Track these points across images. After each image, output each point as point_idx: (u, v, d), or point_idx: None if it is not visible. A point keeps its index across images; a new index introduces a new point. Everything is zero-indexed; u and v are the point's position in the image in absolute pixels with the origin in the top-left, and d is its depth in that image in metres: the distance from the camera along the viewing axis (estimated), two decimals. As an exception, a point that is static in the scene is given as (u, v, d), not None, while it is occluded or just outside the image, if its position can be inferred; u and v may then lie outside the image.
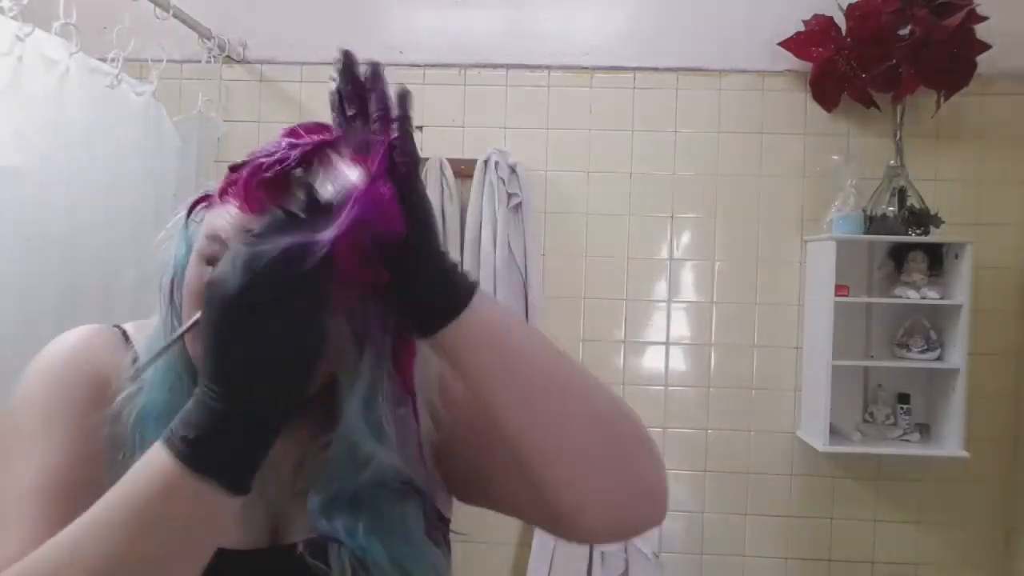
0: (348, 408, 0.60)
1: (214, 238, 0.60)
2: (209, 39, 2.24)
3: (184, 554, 0.51)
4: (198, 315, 0.55)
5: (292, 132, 0.60)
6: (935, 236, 2.16)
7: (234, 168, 0.61)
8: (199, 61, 2.24)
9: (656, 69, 2.35)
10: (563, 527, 0.62)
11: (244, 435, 0.50)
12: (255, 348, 0.49)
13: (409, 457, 0.64)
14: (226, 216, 0.59)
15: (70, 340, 0.68)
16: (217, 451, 0.49)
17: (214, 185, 0.64)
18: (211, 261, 0.59)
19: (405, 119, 0.54)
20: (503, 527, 2.34)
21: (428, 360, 0.65)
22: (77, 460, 0.61)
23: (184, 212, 0.67)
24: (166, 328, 0.65)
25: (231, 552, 0.60)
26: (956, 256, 2.13)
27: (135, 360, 0.65)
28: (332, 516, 0.62)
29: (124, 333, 0.69)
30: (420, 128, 2.35)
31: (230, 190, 0.60)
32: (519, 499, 0.65)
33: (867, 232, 2.17)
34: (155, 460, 0.50)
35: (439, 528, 0.67)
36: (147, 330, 0.68)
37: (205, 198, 0.65)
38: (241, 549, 0.62)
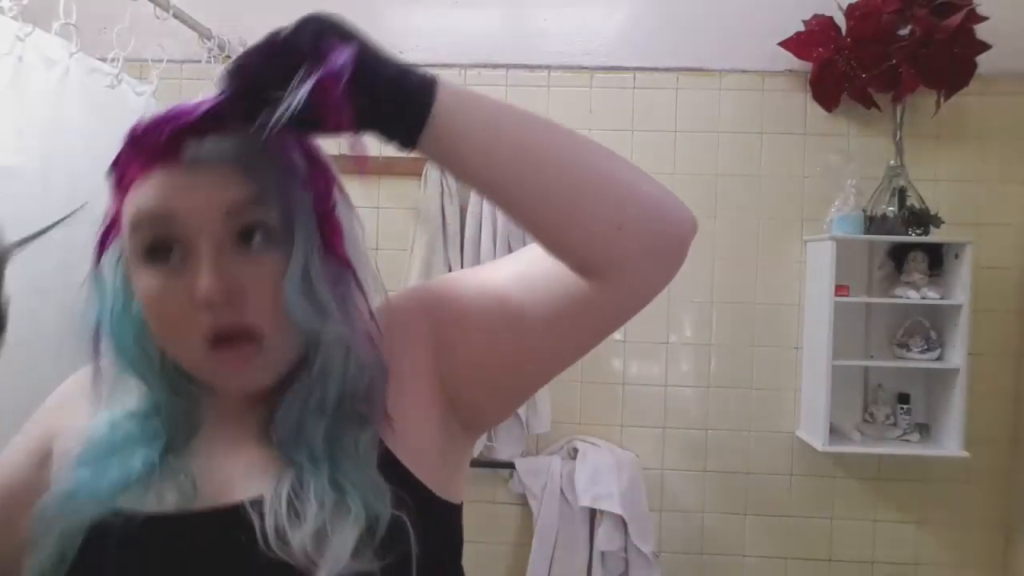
0: (287, 290, 0.60)
1: (134, 225, 0.60)
2: (209, 39, 2.24)
3: None
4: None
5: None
6: (935, 236, 2.16)
7: (112, 167, 0.63)
8: (199, 61, 2.23)
9: (656, 69, 2.35)
10: (607, 285, 0.62)
11: None
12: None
13: (357, 333, 0.63)
14: (130, 199, 0.60)
15: (70, 379, 0.78)
16: None
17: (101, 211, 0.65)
18: (146, 251, 0.60)
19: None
20: (503, 527, 2.35)
21: (359, 235, 0.67)
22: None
23: (93, 259, 0.66)
24: (96, 381, 0.67)
25: (148, 515, 0.60)
26: (956, 256, 2.13)
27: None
28: (294, 438, 0.62)
29: None
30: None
31: (124, 183, 0.61)
32: (562, 316, 0.64)
33: (867, 232, 2.17)
34: None
35: (403, 480, 0.63)
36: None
37: (107, 231, 0.65)
38: (163, 512, 0.61)
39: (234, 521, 0.59)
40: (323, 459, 0.60)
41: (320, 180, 0.64)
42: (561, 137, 0.60)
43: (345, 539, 0.57)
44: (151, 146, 0.59)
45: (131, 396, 0.67)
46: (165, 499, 0.61)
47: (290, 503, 0.58)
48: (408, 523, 0.60)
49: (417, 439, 0.66)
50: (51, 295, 1.65)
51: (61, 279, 1.62)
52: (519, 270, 0.68)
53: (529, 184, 0.59)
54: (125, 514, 0.60)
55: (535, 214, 0.60)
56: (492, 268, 0.71)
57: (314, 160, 0.64)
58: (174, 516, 0.61)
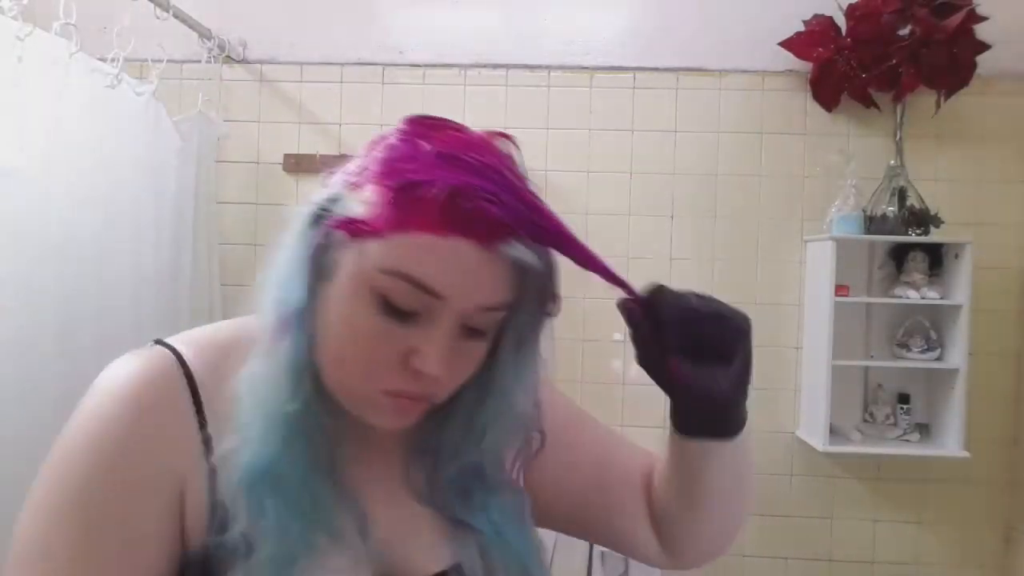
0: (503, 373, 0.64)
1: (405, 277, 0.55)
2: (209, 39, 2.24)
3: None
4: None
5: (424, 135, 0.57)
6: (935, 236, 2.16)
7: (401, 188, 0.55)
8: (199, 61, 2.24)
9: (656, 69, 2.35)
10: (670, 555, 0.77)
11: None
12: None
13: (536, 421, 0.70)
14: (415, 248, 0.55)
15: (125, 404, 0.57)
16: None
17: (347, 203, 0.57)
18: (389, 299, 0.56)
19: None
20: (503, 527, 2.35)
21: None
22: None
23: (305, 228, 0.59)
24: (287, 362, 0.58)
25: None
26: (956, 256, 2.13)
27: (202, 418, 0.59)
28: (459, 496, 0.65)
29: (180, 360, 0.60)
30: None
31: (411, 218, 0.54)
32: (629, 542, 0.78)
33: (867, 232, 2.17)
34: None
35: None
36: (211, 352, 0.61)
37: (354, 224, 0.56)
38: None
39: None
40: (502, 527, 0.65)
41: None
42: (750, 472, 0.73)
43: None
44: (464, 218, 0.54)
45: (277, 394, 0.59)
46: (359, 568, 0.60)
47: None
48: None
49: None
50: (50, 295, 1.64)
51: (61, 278, 1.62)
52: (613, 470, 0.79)
53: (728, 500, 0.72)
54: None
55: (711, 516, 0.73)
56: (599, 434, 0.83)
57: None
58: None
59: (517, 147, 0.61)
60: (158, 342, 0.62)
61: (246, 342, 0.60)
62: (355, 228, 0.56)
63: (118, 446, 0.56)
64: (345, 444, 0.63)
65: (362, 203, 0.56)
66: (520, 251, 0.56)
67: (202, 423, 0.59)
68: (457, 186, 0.54)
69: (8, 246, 1.49)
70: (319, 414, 0.60)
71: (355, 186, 0.57)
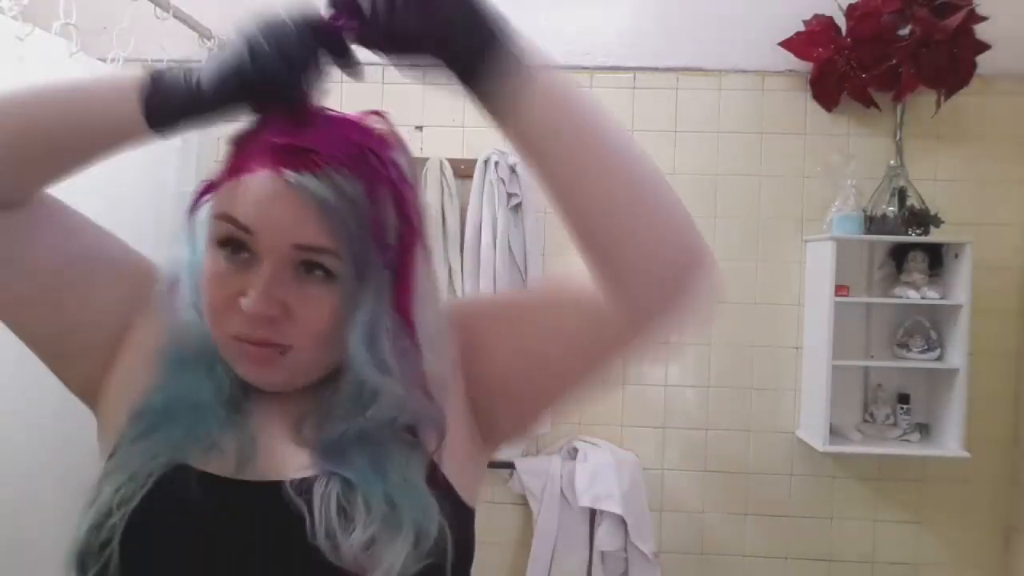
0: (351, 341, 0.63)
1: (220, 215, 0.63)
2: (209, 39, 2.23)
3: (78, 143, 0.66)
4: None
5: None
6: (935, 236, 2.16)
7: (230, 142, 0.65)
8: (199, 61, 2.23)
9: (656, 69, 2.35)
10: (621, 298, 0.63)
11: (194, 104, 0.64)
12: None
13: (413, 390, 0.65)
14: (230, 188, 0.63)
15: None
16: (168, 98, 0.64)
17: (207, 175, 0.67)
18: (219, 242, 0.63)
19: None
20: (503, 527, 2.35)
21: (431, 300, 0.69)
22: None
23: (187, 213, 0.68)
24: (170, 333, 0.68)
25: (208, 475, 0.63)
26: (956, 256, 2.13)
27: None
28: (336, 453, 0.64)
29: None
30: (420, 128, 2.35)
31: (232, 166, 0.64)
32: (572, 338, 0.68)
33: (867, 232, 2.17)
34: (126, 79, 0.65)
35: (445, 494, 0.66)
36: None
37: (208, 188, 0.66)
38: (218, 474, 0.63)
39: (282, 501, 0.61)
40: (374, 473, 0.62)
41: (407, 239, 0.66)
42: (624, 136, 0.64)
43: (396, 553, 0.59)
44: (263, 149, 0.62)
45: (191, 338, 0.68)
46: (226, 459, 0.64)
47: (339, 504, 0.60)
48: (449, 537, 0.62)
49: (453, 449, 0.68)
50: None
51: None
52: (542, 295, 0.76)
53: (592, 170, 0.62)
54: (190, 470, 0.63)
55: (586, 198, 0.62)
56: (517, 291, 0.76)
57: (406, 218, 0.66)
58: (230, 480, 0.63)
59: (390, 124, 0.67)
60: None
61: None
62: (207, 189, 0.66)
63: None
64: (252, 393, 0.68)
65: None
66: (309, 180, 0.60)
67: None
68: (268, 129, 0.62)
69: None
70: (217, 363, 0.67)
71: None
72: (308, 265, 0.62)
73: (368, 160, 0.63)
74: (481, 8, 0.60)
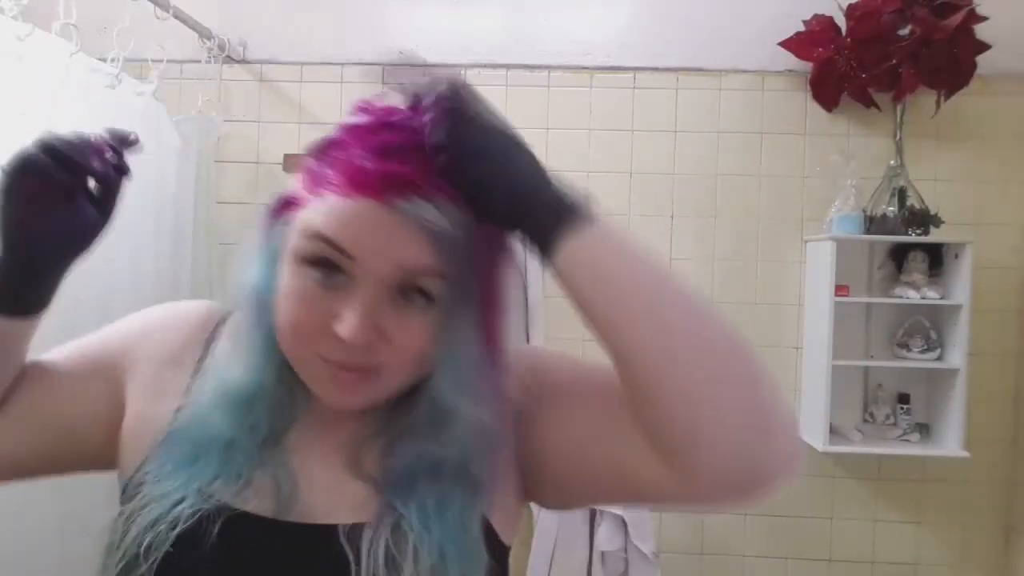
0: (440, 362, 0.61)
1: (315, 235, 0.59)
2: (209, 39, 2.24)
3: None
4: None
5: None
6: (935, 236, 2.16)
7: (313, 155, 0.62)
8: (199, 61, 2.23)
9: (656, 69, 2.35)
10: (677, 471, 0.56)
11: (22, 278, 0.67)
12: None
13: (495, 420, 0.63)
14: (325, 209, 0.59)
15: (181, 307, 0.78)
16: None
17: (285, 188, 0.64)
18: (311, 261, 0.59)
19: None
20: (503, 527, 2.35)
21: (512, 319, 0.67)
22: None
23: (264, 226, 0.65)
24: (251, 347, 0.65)
25: (247, 515, 0.61)
26: (956, 256, 2.13)
27: (205, 352, 0.71)
28: (404, 486, 0.62)
29: (224, 314, 0.74)
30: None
31: (325, 183, 0.59)
32: (628, 469, 0.60)
33: (867, 232, 2.17)
34: None
35: (493, 545, 0.64)
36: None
37: (287, 203, 0.63)
38: (257, 513, 0.61)
39: (329, 546, 0.59)
40: (433, 519, 0.60)
41: (499, 266, 0.64)
42: (686, 290, 0.59)
43: None
44: (366, 178, 0.58)
45: (237, 369, 0.65)
46: (264, 499, 0.62)
47: (388, 551, 0.58)
48: None
49: (503, 498, 0.66)
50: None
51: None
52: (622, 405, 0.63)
53: (644, 320, 0.57)
54: (224, 507, 0.60)
55: (633, 345, 0.57)
56: (600, 375, 0.68)
57: (499, 246, 0.64)
58: (270, 522, 0.61)
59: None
60: None
61: None
62: (288, 205, 0.62)
63: (141, 315, 0.79)
64: (300, 420, 0.66)
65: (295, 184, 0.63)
66: (419, 207, 0.57)
67: (203, 357, 0.70)
68: (363, 146, 0.59)
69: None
70: (273, 389, 0.64)
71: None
72: (406, 288, 0.59)
73: None
74: (557, 187, 0.59)
